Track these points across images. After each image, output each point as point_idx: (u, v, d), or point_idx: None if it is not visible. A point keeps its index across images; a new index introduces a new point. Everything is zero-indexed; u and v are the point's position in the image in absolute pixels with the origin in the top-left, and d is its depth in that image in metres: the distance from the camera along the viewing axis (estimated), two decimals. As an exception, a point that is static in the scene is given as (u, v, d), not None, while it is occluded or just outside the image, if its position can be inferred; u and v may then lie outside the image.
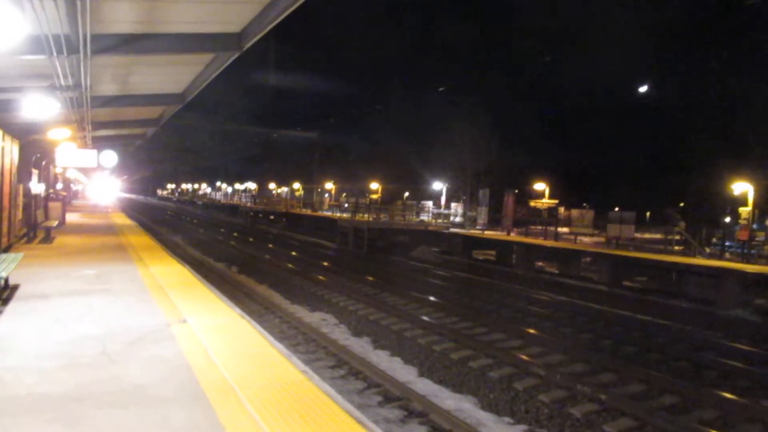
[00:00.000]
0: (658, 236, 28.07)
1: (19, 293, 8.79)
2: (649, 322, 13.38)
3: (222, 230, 39.15)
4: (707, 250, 24.34)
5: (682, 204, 44.54)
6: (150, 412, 4.39)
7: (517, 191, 32.13)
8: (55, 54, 6.66)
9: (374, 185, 57.84)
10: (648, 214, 49.28)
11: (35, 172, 20.23)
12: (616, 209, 30.38)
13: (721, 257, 21.62)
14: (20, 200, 17.20)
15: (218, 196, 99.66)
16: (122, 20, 7.06)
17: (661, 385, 8.83)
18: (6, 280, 8.91)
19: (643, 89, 50.73)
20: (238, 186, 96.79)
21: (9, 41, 5.05)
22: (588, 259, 21.69)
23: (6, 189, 13.78)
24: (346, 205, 45.91)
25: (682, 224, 26.51)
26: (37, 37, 6.12)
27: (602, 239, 25.57)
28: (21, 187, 17.10)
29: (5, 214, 13.81)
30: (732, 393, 8.50)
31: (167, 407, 4.51)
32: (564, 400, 8.25)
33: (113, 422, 4.20)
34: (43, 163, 22.16)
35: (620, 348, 11.25)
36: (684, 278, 17.33)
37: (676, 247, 23.36)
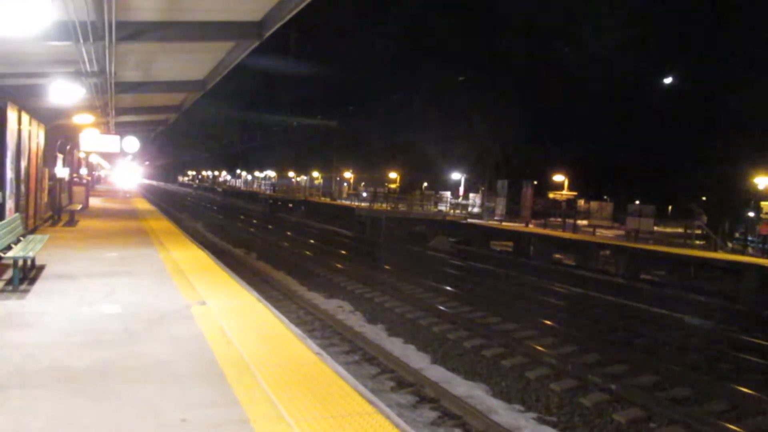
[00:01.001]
0: (679, 230, 27.79)
1: (45, 273, 9.08)
2: (664, 315, 13.35)
3: (241, 217, 39.53)
4: (729, 245, 24.05)
5: (704, 198, 43.96)
6: (170, 387, 4.58)
7: (536, 183, 32.00)
8: (81, 40, 6.84)
9: (393, 175, 57.94)
10: (670, 207, 48.75)
11: (60, 156, 20.65)
12: (637, 202, 30.09)
13: (743, 252, 21.39)
14: (46, 184, 17.59)
15: (238, 183, 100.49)
16: (146, 8, 7.22)
17: (673, 377, 8.86)
18: (33, 261, 9.20)
19: (666, 80, 49.96)
20: (257, 174, 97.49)
21: (37, 27, 5.22)
22: (607, 252, 21.59)
23: (32, 172, 14.12)
24: (364, 194, 46.06)
25: (704, 218, 26.20)
26: (64, 23, 6.30)
27: (621, 232, 25.43)
28: (46, 171, 17.49)
29: (32, 197, 14.16)
30: (746, 387, 8.49)
31: (186, 383, 4.69)
32: (575, 389, 8.33)
33: (135, 395, 4.40)
34: (68, 147, 22.61)
35: (634, 340, 11.26)
36: (703, 272, 17.22)
37: (697, 242, 23.13)
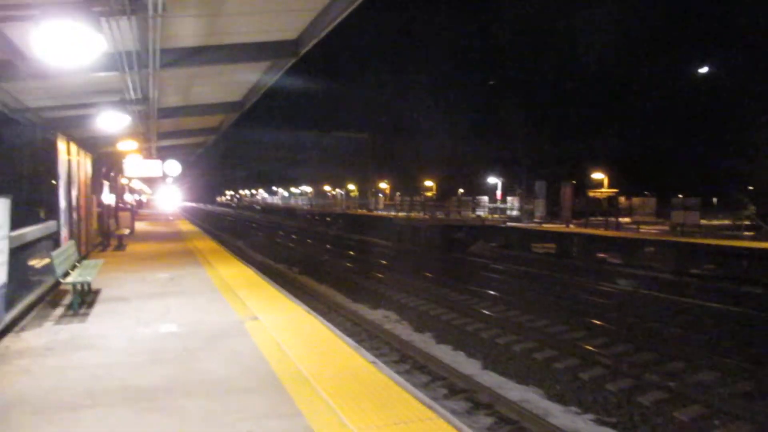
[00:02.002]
0: (726, 222, 26.96)
1: (101, 297, 9.38)
2: (719, 309, 12.98)
3: (281, 233, 40.02)
4: (780, 234, 23.22)
5: (750, 187, 42.59)
6: (233, 400, 4.69)
7: (574, 182, 31.49)
8: (127, 70, 7.11)
9: (428, 182, 57.93)
10: (714, 199, 47.39)
11: (106, 183, 21.31)
12: (680, 196, 29.32)
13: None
14: (94, 211, 18.17)
15: (275, 200, 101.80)
16: (187, 34, 7.45)
17: (734, 373, 8.62)
18: (89, 285, 9.51)
19: (702, 70, 48.79)
20: (293, 189, 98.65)
21: (87, 60, 5.46)
22: (652, 248, 21.11)
23: (83, 201, 14.62)
24: (400, 203, 46.11)
25: (752, 208, 25.38)
26: (111, 54, 6.57)
27: (666, 227, 24.83)
28: (94, 198, 18.06)
29: (83, 225, 14.65)
30: (811, 379, 8.20)
31: (248, 395, 4.79)
32: (632, 388, 8.17)
33: (201, 409, 4.52)
34: (112, 174, 23.30)
35: (690, 336, 10.99)
36: (756, 264, 16.67)
37: (746, 233, 22.43)
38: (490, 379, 8.84)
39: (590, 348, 9.84)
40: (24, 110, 10.01)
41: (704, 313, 12.75)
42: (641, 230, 24.23)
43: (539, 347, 10.17)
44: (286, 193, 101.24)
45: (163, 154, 21.55)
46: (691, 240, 19.60)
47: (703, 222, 24.90)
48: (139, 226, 28.74)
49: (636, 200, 28.96)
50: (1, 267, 6.15)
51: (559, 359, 9.51)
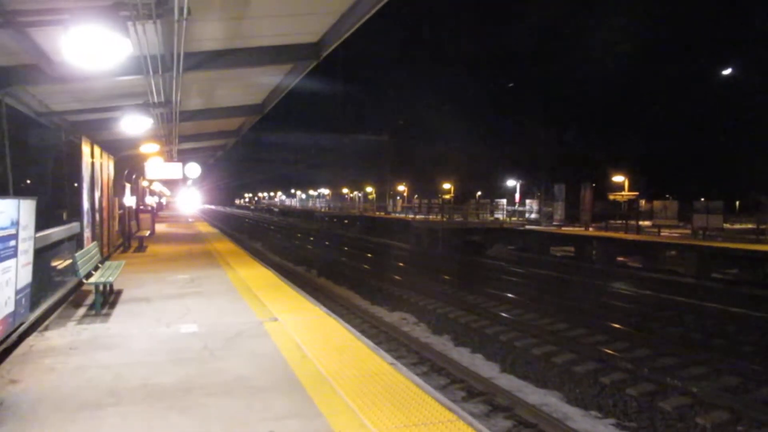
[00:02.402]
0: (749, 226, 26.54)
1: (123, 297, 9.50)
2: (742, 314, 12.79)
3: (299, 235, 40.18)
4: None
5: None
6: (254, 400, 4.73)
7: (594, 185, 31.22)
8: (151, 73, 7.21)
9: (446, 185, 57.85)
10: (737, 203, 46.72)
11: (127, 185, 21.58)
12: (702, 200, 28.92)
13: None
14: (116, 213, 18.41)
15: (294, 202, 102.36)
16: (210, 38, 7.53)
17: (757, 378, 8.49)
18: (111, 286, 9.65)
19: (725, 72, 48.12)
20: (312, 192, 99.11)
21: (113, 64, 5.56)
22: (673, 252, 20.86)
23: (105, 203, 14.83)
24: (418, 206, 46.10)
25: (775, 211, 24.96)
26: (136, 58, 6.66)
27: (688, 231, 24.52)
28: (116, 200, 18.30)
29: (105, 226, 14.85)
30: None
31: (269, 395, 4.83)
32: (653, 393, 8.08)
33: (222, 409, 4.56)
34: (134, 176, 23.59)
35: (711, 341, 10.84)
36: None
37: (771, 237, 22.05)
38: (509, 382, 8.81)
39: (610, 352, 9.75)
40: (50, 114, 10.18)
41: (727, 318, 12.57)
42: (662, 234, 23.96)
43: (558, 351, 10.10)
44: (304, 196, 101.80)
45: (183, 156, 21.72)
46: (714, 244, 19.34)
47: (726, 226, 24.55)
48: (160, 228, 29.06)
49: (657, 203, 28.60)
50: (26, 267, 6.26)
51: (578, 363, 9.44)
